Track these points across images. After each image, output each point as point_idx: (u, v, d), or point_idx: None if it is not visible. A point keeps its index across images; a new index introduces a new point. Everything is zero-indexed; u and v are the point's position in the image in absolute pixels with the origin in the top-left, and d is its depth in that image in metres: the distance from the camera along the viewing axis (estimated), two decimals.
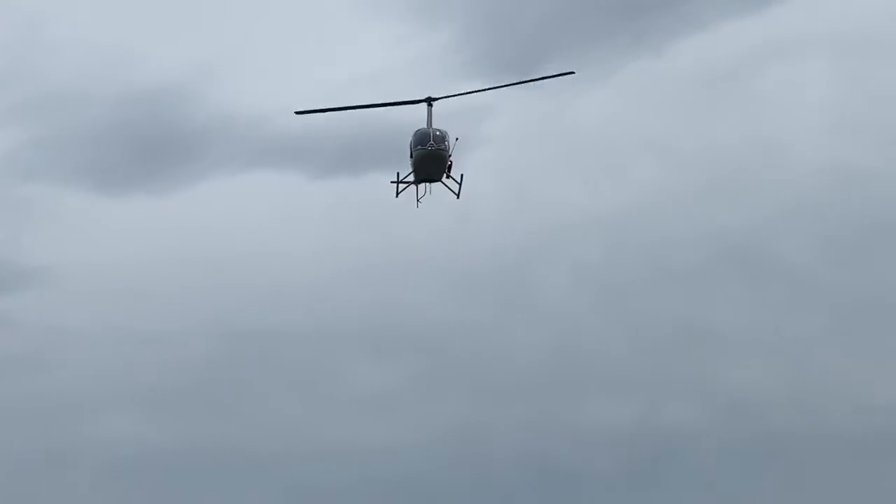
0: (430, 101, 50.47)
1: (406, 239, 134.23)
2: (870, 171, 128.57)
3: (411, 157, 51.14)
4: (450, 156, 50.69)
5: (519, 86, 51.78)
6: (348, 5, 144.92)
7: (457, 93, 49.69)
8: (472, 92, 49.50)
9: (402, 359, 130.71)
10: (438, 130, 50.59)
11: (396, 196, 51.98)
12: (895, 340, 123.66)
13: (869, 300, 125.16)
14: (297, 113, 50.20)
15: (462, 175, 50.72)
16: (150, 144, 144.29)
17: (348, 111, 50.43)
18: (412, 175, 51.30)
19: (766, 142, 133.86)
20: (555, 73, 49.49)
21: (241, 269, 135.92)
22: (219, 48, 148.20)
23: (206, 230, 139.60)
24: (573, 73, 50.08)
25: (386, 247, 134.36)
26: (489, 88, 49.74)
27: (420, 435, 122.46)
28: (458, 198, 51.02)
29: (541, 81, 52.35)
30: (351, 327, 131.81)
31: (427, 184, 52.01)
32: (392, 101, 48.86)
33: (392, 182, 52.24)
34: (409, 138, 52.02)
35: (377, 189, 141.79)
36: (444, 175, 50.99)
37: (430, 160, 50.31)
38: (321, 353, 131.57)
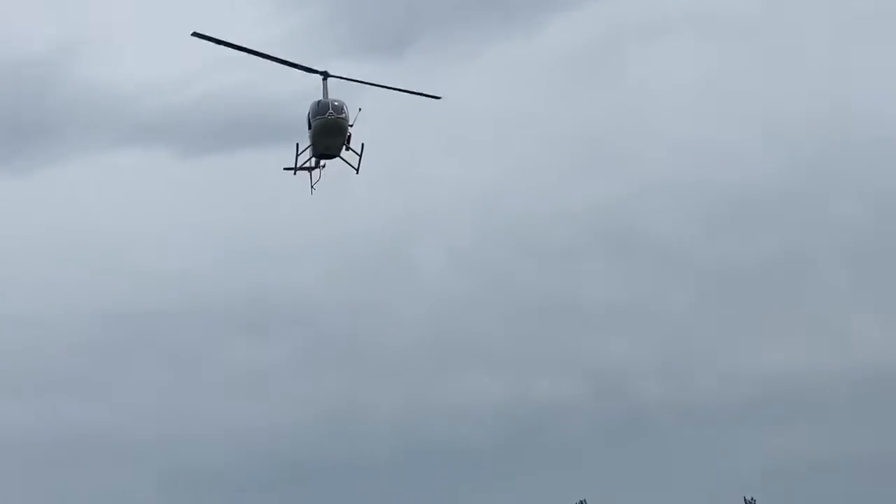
0: (326, 75, 50.25)
1: (282, 217, 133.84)
2: (733, 147, 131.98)
3: (310, 128, 50.71)
4: (350, 126, 50.44)
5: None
6: None
7: (351, 77, 49.68)
8: (366, 83, 49.51)
9: (279, 338, 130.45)
10: (337, 101, 50.30)
11: (294, 172, 51.52)
12: (758, 312, 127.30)
13: (733, 273, 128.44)
14: (193, 35, 48.22)
15: (363, 145, 50.47)
16: (12, 123, 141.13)
17: (251, 55, 49.05)
18: (311, 148, 50.81)
19: (632, 119, 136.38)
20: (425, 94, 50.50)
21: (110, 250, 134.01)
22: (84, 25, 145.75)
23: (73, 210, 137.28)
24: (440, 97, 51.28)
25: (261, 226, 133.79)
26: (378, 85, 49.62)
27: (298, 413, 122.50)
28: (357, 172, 50.73)
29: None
30: (226, 307, 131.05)
31: (324, 160, 51.61)
32: (291, 61, 48.37)
33: (286, 169, 51.60)
34: (307, 110, 51.65)
35: (251, 167, 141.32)
36: (344, 147, 50.65)
37: (330, 129, 49.85)
38: (196, 334, 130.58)
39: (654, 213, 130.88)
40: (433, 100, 52.24)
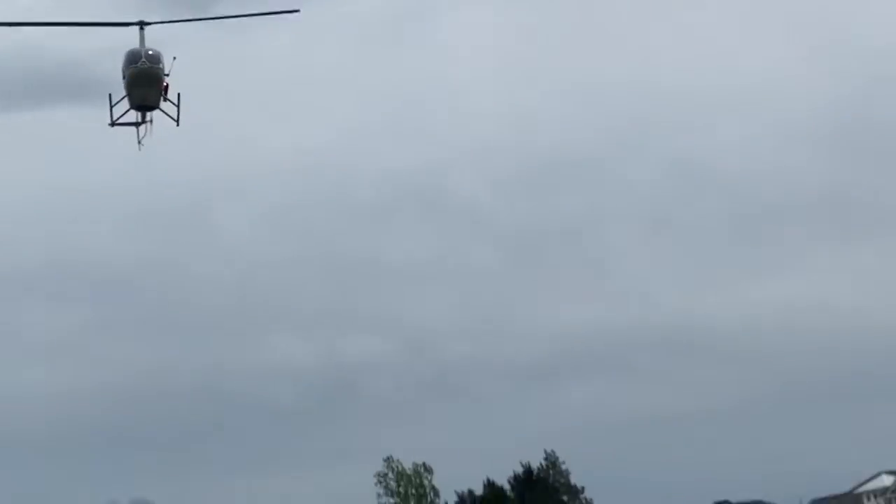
0: (142, 24, 49.70)
1: (83, 175, 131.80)
2: (540, 114, 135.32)
3: (124, 79, 50.10)
4: (166, 76, 49.85)
5: (206, 21, 51.48)
6: None
7: (171, 19, 49.06)
8: (189, 20, 48.98)
9: (82, 301, 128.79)
10: (151, 49, 49.63)
11: (111, 125, 50.64)
12: (564, 273, 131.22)
13: (539, 235, 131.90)
14: None
15: (179, 95, 49.98)
16: None
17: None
18: (126, 100, 50.07)
19: (443, 84, 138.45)
20: (280, 11, 49.65)
21: None
22: None
23: None
24: (298, 10, 50.48)
25: (61, 184, 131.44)
26: (206, 18, 49.18)
27: (104, 377, 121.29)
28: (177, 125, 50.24)
29: (225, 18, 52.17)
30: (27, 270, 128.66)
31: (146, 113, 50.89)
32: (100, 21, 47.59)
33: (111, 125, 50.73)
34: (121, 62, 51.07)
35: (52, 124, 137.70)
36: (161, 98, 50.12)
37: (144, 79, 48.78)
38: None
39: (464, 175, 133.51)
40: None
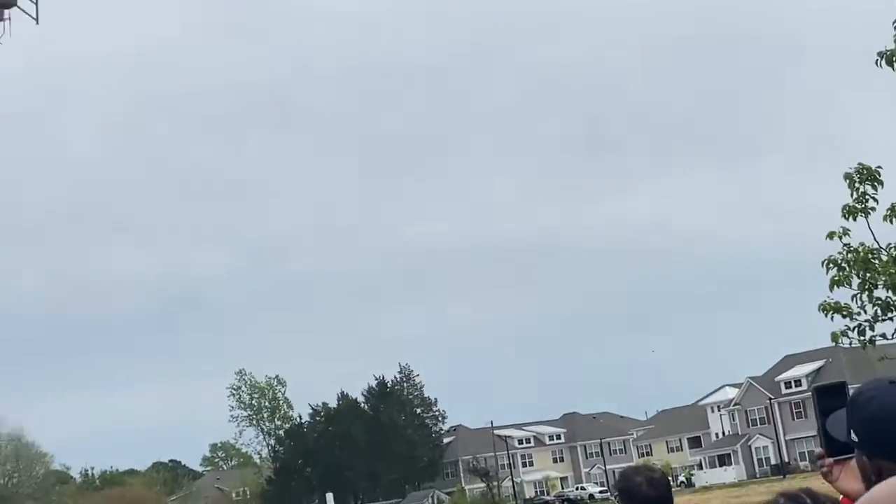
0: None
1: None
2: (383, 19, 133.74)
3: None
4: None
5: None
6: None
7: None
8: None
9: None
10: None
11: None
12: (408, 184, 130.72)
13: (392, 141, 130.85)
14: None
15: None
16: None
17: None
18: None
19: None
20: None
21: None
22: None
23: None
24: None
25: None
26: None
27: None
28: (37, 23, 48.14)
29: None
30: None
31: (2, 10, 48.58)
32: None
33: None
34: None
35: None
36: None
37: None
38: None
39: (312, 84, 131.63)
40: None
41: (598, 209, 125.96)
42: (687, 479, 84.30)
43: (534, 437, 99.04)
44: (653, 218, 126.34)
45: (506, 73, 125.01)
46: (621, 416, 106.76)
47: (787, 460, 78.46)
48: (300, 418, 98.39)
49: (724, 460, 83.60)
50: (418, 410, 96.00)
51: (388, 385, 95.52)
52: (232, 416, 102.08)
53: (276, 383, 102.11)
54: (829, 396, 2.80)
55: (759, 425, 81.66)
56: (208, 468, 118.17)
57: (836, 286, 9.99)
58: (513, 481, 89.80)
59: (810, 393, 2.96)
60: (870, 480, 2.57)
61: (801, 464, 73.90)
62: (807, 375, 78.12)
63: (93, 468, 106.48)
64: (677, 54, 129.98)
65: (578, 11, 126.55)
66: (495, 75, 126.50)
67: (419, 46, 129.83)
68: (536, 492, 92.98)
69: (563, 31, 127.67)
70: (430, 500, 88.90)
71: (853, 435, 2.61)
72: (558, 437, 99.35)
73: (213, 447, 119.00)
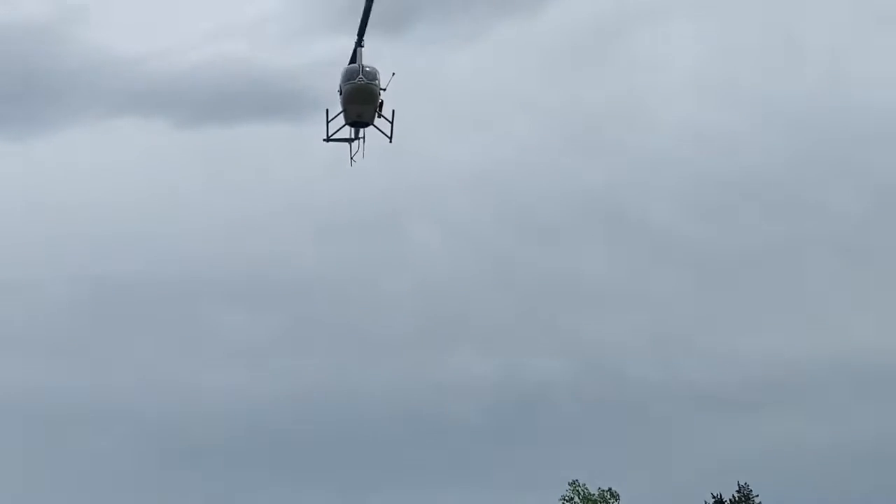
0: (359, 42, 49.92)
1: (276, 188, 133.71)
2: (727, 130, 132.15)
3: (340, 93, 50.33)
4: (383, 90, 49.94)
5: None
6: None
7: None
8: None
9: (270, 311, 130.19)
10: (369, 66, 49.86)
11: (327, 139, 50.93)
12: (752, 296, 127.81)
13: (727, 255, 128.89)
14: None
15: (393, 111, 50.02)
16: (12, 87, 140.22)
17: None
18: (342, 115, 50.31)
19: (629, 101, 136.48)
20: None
21: (104, 217, 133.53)
22: None
23: (69, 177, 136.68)
24: None
25: (256, 196, 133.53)
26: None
27: (288, 388, 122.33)
28: (390, 141, 50.23)
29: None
30: (218, 278, 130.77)
31: (360, 129, 50.99)
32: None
33: (325, 140, 51.00)
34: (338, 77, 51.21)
35: (246, 138, 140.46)
36: (377, 114, 50.17)
37: (361, 95, 49.11)
38: (187, 303, 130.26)
39: (650, 194, 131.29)
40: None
41: None
42: None
43: None
44: None
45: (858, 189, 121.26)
46: None
47: None
48: None
49: None
50: None
51: None
52: None
53: (609, 496, 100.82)
54: None
55: None
56: None
57: None
58: None
59: None
60: None
61: None
62: None
63: None
64: None
65: None
66: (842, 187, 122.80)
67: (759, 158, 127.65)
68: None
69: None
70: None
71: None
72: None
73: None
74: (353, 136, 50.78)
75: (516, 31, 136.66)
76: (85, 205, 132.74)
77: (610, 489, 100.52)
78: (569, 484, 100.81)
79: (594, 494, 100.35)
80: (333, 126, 50.32)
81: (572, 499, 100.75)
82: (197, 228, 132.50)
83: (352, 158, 50.81)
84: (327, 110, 49.94)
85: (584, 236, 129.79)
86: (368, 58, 50.28)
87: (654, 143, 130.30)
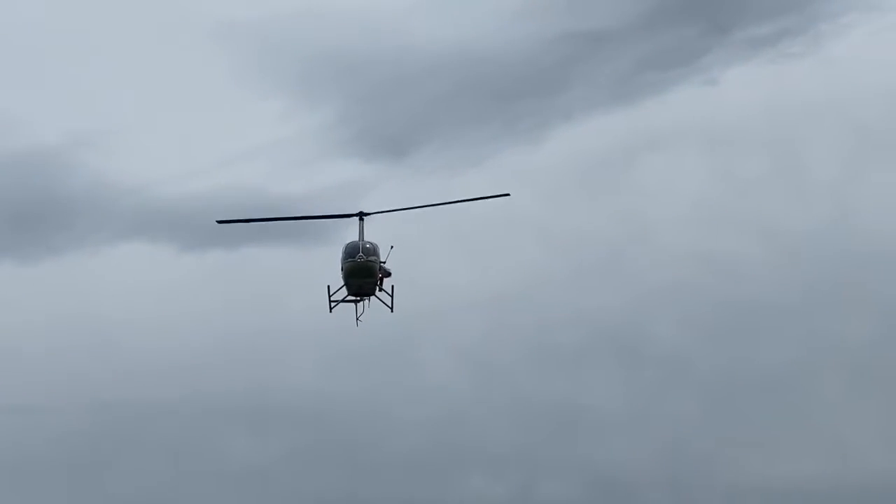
0: (361, 215, 50.95)
1: (281, 313, 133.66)
2: (732, 256, 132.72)
3: (342, 269, 51.43)
4: (382, 264, 51.16)
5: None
6: (229, 81, 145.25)
7: (388, 209, 50.21)
8: (405, 209, 50.01)
9: (278, 435, 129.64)
10: (369, 243, 51.08)
11: (330, 311, 52.05)
12: (765, 420, 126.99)
13: (736, 379, 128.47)
14: (218, 222, 49.62)
15: (393, 287, 50.91)
16: (22, 211, 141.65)
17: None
18: (344, 289, 51.47)
19: (636, 228, 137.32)
20: (490, 195, 50.66)
21: (110, 341, 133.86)
22: (95, 116, 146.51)
23: (76, 300, 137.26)
24: (508, 195, 51.34)
25: (260, 320, 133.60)
26: (420, 206, 50.22)
27: None
28: (392, 311, 51.21)
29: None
30: (224, 401, 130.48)
31: (363, 298, 51.94)
32: (323, 214, 49.13)
33: (330, 311, 52.20)
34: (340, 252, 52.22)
35: (254, 263, 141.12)
36: (377, 288, 51.14)
37: (360, 272, 50.71)
38: (193, 427, 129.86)
39: (658, 318, 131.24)
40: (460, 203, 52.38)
41: None
42: None
43: None
44: None
45: (866, 312, 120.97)
46: None
47: None
48: None
49: None
50: None
51: None
52: None
53: None
54: None
55: None
56: None
57: None
58: None
59: None
60: None
61: None
62: None
63: None
64: None
65: None
66: (850, 315, 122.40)
67: (763, 284, 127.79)
68: None
69: None
70: None
71: None
72: None
73: None
74: (357, 299, 51.80)
75: (519, 157, 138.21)
76: (93, 329, 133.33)
77: None
78: None
79: None
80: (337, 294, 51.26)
81: None
82: (202, 351, 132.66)
83: (357, 319, 52.05)
84: (328, 286, 51.09)
85: (594, 361, 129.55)
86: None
87: (658, 268, 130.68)
